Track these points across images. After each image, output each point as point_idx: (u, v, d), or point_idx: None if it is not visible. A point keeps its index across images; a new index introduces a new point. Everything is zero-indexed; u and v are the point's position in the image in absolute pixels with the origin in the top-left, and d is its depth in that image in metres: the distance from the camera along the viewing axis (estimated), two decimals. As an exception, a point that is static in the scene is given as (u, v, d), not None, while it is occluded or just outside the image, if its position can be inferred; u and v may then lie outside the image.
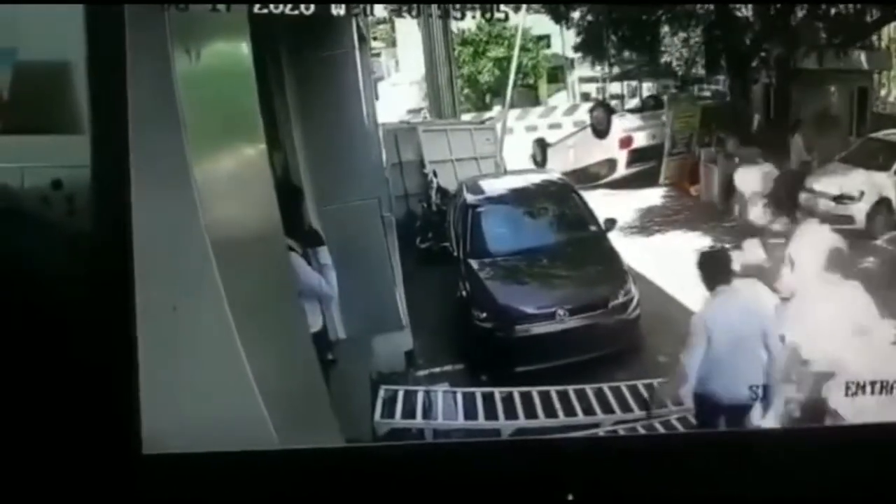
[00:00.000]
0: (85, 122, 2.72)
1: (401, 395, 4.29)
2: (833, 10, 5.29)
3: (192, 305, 2.58)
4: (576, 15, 5.89)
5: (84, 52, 2.67)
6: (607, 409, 4.17)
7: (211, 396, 2.63)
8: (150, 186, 2.54)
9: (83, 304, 2.67)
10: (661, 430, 4.02)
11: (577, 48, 6.22)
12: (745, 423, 3.60)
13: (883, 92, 5.89)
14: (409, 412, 4.22)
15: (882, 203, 5.13)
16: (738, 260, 4.30)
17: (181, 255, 2.57)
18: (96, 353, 2.66)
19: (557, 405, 4.15)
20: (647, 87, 6.48)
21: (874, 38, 5.71)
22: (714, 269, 4.04)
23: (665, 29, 5.71)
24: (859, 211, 5.15)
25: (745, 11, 5.46)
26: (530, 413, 4.13)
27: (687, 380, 3.79)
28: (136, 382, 2.60)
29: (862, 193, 5.17)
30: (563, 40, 6.39)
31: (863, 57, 5.74)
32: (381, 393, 4.25)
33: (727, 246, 4.71)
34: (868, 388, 3.39)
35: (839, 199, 5.20)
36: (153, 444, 2.66)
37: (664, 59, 5.88)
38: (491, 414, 4.18)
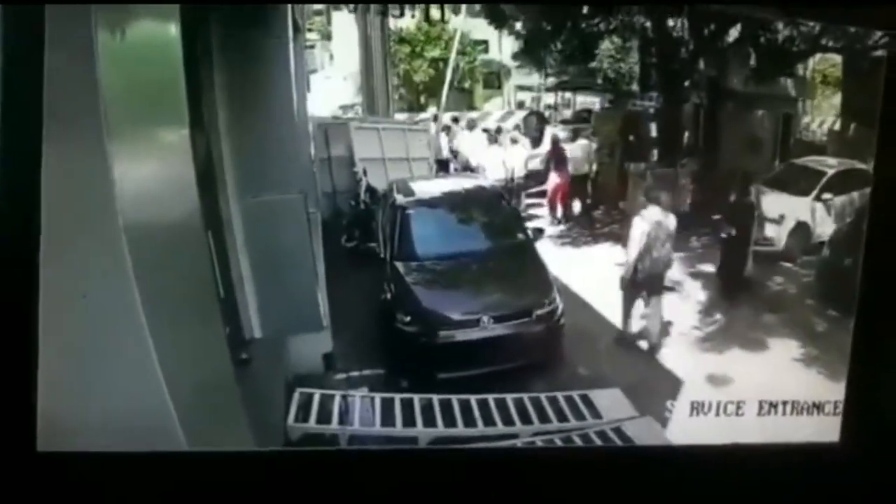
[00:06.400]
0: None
1: (316, 398, 4.20)
2: (764, 38, 5.46)
3: (103, 294, 2.43)
4: (517, 24, 5.93)
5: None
6: (526, 419, 4.15)
7: (116, 392, 2.47)
8: (63, 166, 2.37)
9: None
10: (579, 442, 4.06)
11: (515, 56, 6.26)
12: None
13: (806, 119, 6.11)
14: (324, 417, 4.13)
15: (800, 227, 5.31)
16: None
17: (93, 241, 2.41)
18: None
19: (477, 414, 4.13)
20: (581, 101, 6.57)
21: (800, 67, 5.92)
22: None
23: (602, 43, 5.77)
24: (779, 233, 5.32)
25: (681, 31, 5.57)
26: (449, 421, 4.10)
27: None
28: (34, 373, 2.43)
29: (782, 216, 5.33)
30: (501, 47, 6.41)
31: (789, 84, 5.93)
32: (296, 396, 4.16)
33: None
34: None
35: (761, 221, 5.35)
36: (49, 441, 2.50)
37: (599, 72, 5.94)
38: (409, 421, 4.13)
